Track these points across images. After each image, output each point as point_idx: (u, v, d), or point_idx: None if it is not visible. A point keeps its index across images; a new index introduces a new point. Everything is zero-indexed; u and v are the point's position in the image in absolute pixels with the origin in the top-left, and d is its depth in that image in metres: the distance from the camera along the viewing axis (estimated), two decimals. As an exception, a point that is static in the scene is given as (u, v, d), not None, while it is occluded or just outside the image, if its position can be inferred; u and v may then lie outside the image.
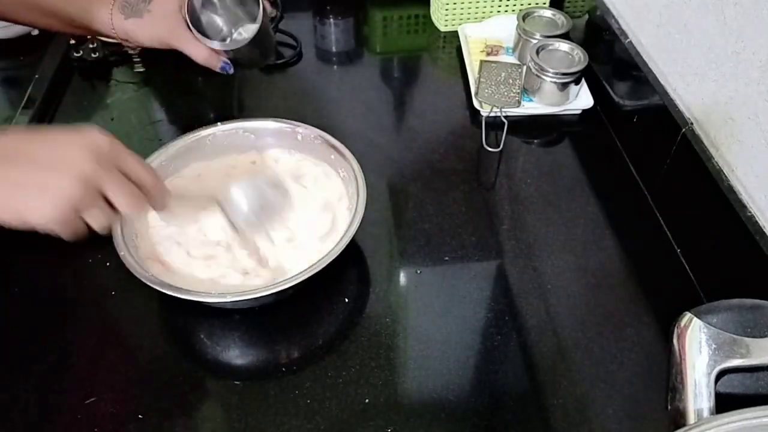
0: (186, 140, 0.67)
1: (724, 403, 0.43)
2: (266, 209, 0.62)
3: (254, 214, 0.61)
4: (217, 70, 0.68)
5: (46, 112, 0.80)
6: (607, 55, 0.83)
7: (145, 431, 0.52)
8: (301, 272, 0.55)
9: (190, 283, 0.57)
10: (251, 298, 0.55)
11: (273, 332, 0.59)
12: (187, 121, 0.74)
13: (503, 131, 0.77)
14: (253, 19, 0.70)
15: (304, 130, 0.68)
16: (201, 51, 0.67)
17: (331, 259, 0.55)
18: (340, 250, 0.56)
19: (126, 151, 0.49)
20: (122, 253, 0.56)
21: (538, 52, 0.79)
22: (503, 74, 0.82)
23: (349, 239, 0.57)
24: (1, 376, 0.55)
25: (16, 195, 0.45)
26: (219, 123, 0.69)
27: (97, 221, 0.48)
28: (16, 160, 0.45)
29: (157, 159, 0.65)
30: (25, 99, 0.78)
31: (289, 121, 0.69)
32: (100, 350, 0.57)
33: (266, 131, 0.70)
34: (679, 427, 0.41)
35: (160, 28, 0.66)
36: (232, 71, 0.69)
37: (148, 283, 0.54)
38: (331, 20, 0.98)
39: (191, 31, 0.66)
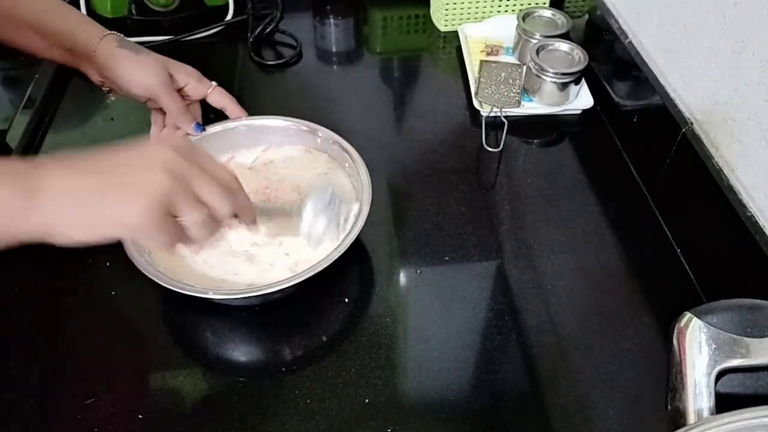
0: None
1: (724, 403, 0.43)
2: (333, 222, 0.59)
3: (324, 227, 0.58)
4: (189, 130, 0.68)
5: (46, 112, 0.80)
6: (607, 55, 0.83)
7: (145, 431, 0.52)
8: (306, 270, 0.55)
9: (194, 280, 0.57)
10: (255, 295, 0.55)
11: (273, 332, 0.59)
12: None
13: (503, 131, 0.77)
14: None
15: (308, 128, 0.69)
16: (176, 106, 0.67)
17: (336, 257, 0.55)
18: (346, 248, 0.56)
19: (207, 154, 0.47)
20: (129, 250, 0.56)
21: (538, 52, 0.79)
22: (503, 74, 0.82)
23: (354, 237, 0.57)
24: (1, 376, 0.55)
25: (105, 201, 0.41)
26: (245, 118, 0.70)
27: (193, 219, 0.45)
28: (95, 170, 0.42)
29: None
30: (25, 99, 0.78)
31: (291, 119, 0.70)
32: (101, 350, 0.57)
33: (273, 129, 0.70)
34: (679, 427, 0.41)
35: (150, 74, 0.65)
36: (202, 132, 0.69)
37: (152, 277, 0.54)
38: (331, 20, 0.98)
39: None
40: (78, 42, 0.66)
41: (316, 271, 0.54)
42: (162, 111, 0.70)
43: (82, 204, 0.41)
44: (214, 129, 0.70)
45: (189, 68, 0.70)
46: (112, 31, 0.67)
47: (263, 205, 0.57)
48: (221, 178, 0.47)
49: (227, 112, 0.71)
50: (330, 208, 0.57)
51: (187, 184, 0.44)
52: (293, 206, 0.59)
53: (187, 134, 0.69)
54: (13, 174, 0.41)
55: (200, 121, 0.70)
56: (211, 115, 0.72)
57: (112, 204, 0.42)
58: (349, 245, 0.56)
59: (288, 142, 0.70)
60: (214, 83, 0.71)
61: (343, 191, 0.61)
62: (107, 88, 0.70)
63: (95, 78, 0.69)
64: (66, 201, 0.41)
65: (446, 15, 0.94)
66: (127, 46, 0.66)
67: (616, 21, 0.80)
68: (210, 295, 0.54)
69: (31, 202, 0.40)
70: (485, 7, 0.93)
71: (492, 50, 0.89)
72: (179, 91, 0.69)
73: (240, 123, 0.70)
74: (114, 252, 0.57)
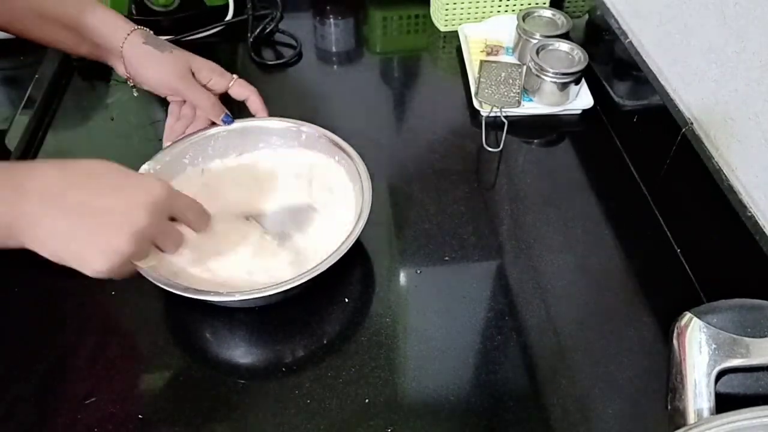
0: (191, 139, 0.68)
1: (724, 403, 0.43)
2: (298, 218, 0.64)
3: (287, 225, 0.64)
4: (218, 122, 0.69)
5: (46, 112, 0.80)
6: (607, 55, 0.83)
7: (145, 431, 0.52)
8: (308, 271, 0.55)
9: (192, 282, 0.57)
10: (258, 297, 0.54)
11: (273, 332, 0.59)
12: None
13: (503, 131, 0.77)
14: None
15: (308, 129, 0.68)
16: (205, 100, 0.68)
17: (336, 259, 0.55)
18: (347, 249, 0.56)
19: (178, 198, 0.52)
20: None
21: (538, 52, 0.79)
22: (503, 74, 0.82)
23: (355, 239, 0.57)
24: (1, 376, 0.55)
25: (72, 245, 0.46)
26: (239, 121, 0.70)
27: (143, 263, 0.52)
28: (72, 209, 0.46)
29: (162, 158, 0.65)
30: (25, 99, 0.78)
31: (293, 120, 0.69)
32: (100, 350, 0.57)
33: (271, 130, 0.70)
34: (679, 427, 0.41)
35: (173, 75, 0.67)
36: (232, 124, 0.70)
37: (155, 282, 0.53)
38: (331, 20, 0.98)
39: None
40: (105, 38, 0.67)
41: (316, 274, 0.54)
42: (180, 103, 0.70)
43: (61, 244, 0.46)
44: (235, 126, 0.70)
45: (212, 64, 0.71)
46: (139, 27, 0.68)
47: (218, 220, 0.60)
48: (185, 219, 0.54)
49: (248, 103, 0.71)
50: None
51: (152, 241, 0.50)
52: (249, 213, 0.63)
53: (214, 123, 0.70)
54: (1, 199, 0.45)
55: (228, 113, 0.70)
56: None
57: (85, 251, 0.47)
58: (349, 247, 0.56)
59: (288, 144, 0.70)
60: (235, 76, 0.71)
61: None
62: (132, 83, 0.71)
63: (122, 72, 0.70)
64: (47, 237, 0.46)
65: (446, 15, 0.94)
66: (152, 43, 0.67)
67: (616, 21, 0.80)
68: (210, 298, 0.54)
69: (14, 231, 0.45)
70: (485, 7, 0.93)
71: (492, 50, 0.89)
72: (203, 86, 0.70)
73: (238, 125, 0.70)
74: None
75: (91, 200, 0.47)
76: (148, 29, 0.69)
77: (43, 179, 0.46)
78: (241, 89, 0.71)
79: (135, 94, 0.73)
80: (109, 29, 0.67)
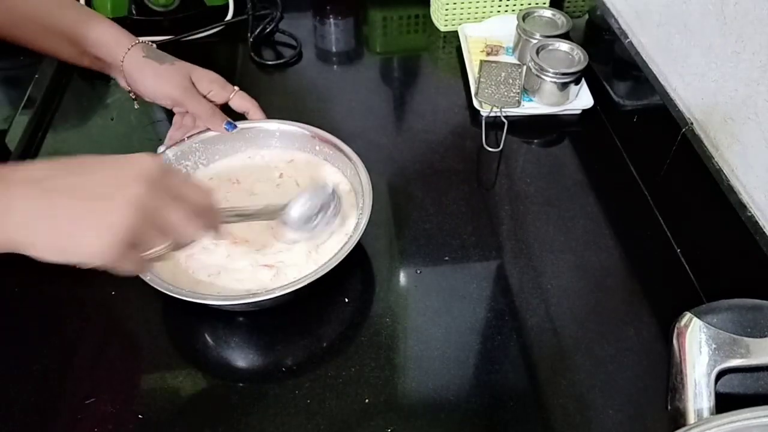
0: (190, 142, 0.68)
1: (724, 403, 0.43)
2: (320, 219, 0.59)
3: (309, 225, 0.59)
4: (221, 130, 0.68)
5: (46, 112, 0.80)
6: (607, 55, 0.83)
7: (145, 431, 0.52)
8: (309, 274, 0.54)
9: (193, 284, 0.57)
10: (258, 301, 0.54)
11: (273, 332, 0.59)
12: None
13: (503, 131, 0.77)
14: None
15: (308, 131, 0.68)
16: (205, 110, 0.67)
17: (339, 260, 0.55)
18: (348, 251, 0.56)
19: (180, 175, 0.48)
20: None
21: (538, 52, 0.79)
22: (503, 74, 0.82)
23: (356, 241, 0.57)
24: (1, 376, 0.55)
25: (72, 230, 0.41)
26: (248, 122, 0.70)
27: (156, 251, 0.45)
28: (59, 190, 0.41)
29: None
30: (25, 99, 0.78)
31: (295, 122, 0.69)
32: (100, 350, 0.57)
33: (271, 132, 0.70)
34: (679, 427, 0.41)
35: (173, 85, 0.66)
36: (235, 131, 0.69)
37: (156, 287, 0.53)
38: (331, 20, 0.98)
39: None
40: (107, 53, 0.67)
41: (315, 278, 0.54)
42: (183, 114, 0.70)
43: (51, 230, 0.41)
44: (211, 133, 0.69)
45: (212, 75, 0.69)
46: (141, 40, 0.67)
47: (243, 210, 0.56)
48: (193, 201, 0.47)
49: (249, 116, 0.71)
50: (323, 204, 0.58)
51: (154, 217, 0.43)
52: (278, 205, 0.58)
53: (203, 132, 0.69)
54: None
55: (231, 120, 0.69)
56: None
57: (78, 235, 0.41)
58: (350, 250, 0.56)
59: (288, 146, 0.70)
60: (236, 88, 0.70)
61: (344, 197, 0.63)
62: (134, 96, 0.70)
63: (123, 85, 0.70)
64: (36, 224, 0.40)
65: (446, 15, 0.94)
66: (152, 56, 0.66)
67: (616, 21, 0.80)
68: (208, 302, 0.54)
69: (2, 219, 0.40)
70: (485, 7, 0.93)
71: (492, 50, 0.89)
72: (204, 97, 0.69)
73: (242, 126, 0.70)
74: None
75: (80, 181, 0.42)
76: (150, 43, 0.68)
77: (28, 171, 0.42)
78: (242, 101, 0.70)
79: (136, 107, 0.72)
80: (111, 44, 0.66)
